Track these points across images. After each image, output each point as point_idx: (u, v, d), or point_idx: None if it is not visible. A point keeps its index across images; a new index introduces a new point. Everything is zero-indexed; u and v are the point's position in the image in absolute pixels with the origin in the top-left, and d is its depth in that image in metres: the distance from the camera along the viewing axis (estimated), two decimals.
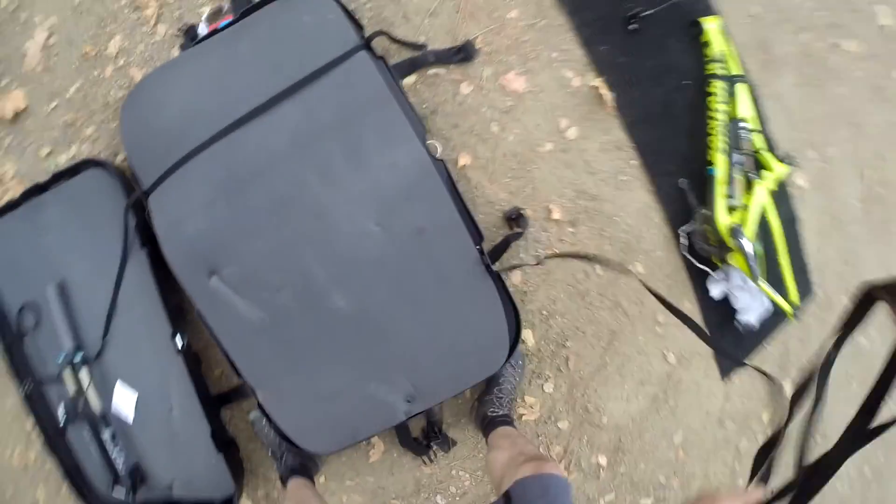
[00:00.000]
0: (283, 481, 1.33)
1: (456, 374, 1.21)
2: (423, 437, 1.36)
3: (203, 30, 1.34)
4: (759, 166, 1.33)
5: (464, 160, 1.38)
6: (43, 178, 1.48)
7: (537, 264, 1.32)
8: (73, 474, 1.48)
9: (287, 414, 1.25)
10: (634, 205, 1.38)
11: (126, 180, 1.32)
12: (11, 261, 1.44)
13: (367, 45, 1.20)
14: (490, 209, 1.38)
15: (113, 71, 1.44)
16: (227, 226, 1.19)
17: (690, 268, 1.38)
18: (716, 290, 1.37)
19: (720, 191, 1.30)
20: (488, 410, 1.31)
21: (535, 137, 1.34)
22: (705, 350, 1.41)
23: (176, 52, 1.42)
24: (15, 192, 1.52)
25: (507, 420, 1.30)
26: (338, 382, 1.21)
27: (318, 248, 1.18)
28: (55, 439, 1.49)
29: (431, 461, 1.40)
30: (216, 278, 1.20)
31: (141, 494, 1.44)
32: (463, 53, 1.34)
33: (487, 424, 1.31)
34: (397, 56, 1.38)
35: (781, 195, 1.39)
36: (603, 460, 1.42)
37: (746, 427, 1.47)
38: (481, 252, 1.17)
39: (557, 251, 1.35)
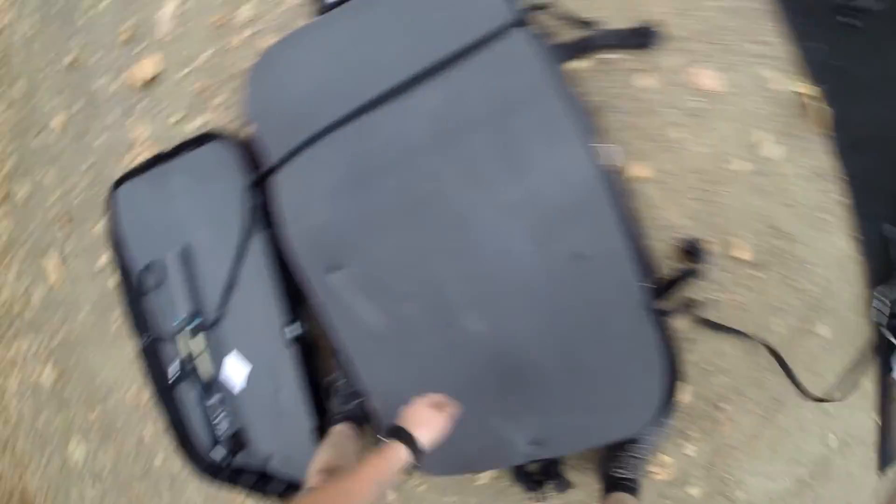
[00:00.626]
0: (331, 422, 1.27)
1: (591, 427, 1.04)
2: (538, 473, 1.21)
3: None
4: None
5: (638, 171, 1.12)
6: (173, 142, 1.46)
7: (694, 320, 1.08)
8: (178, 428, 1.53)
9: None
10: (831, 251, 1.08)
11: (249, 155, 1.27)
12: (140, 221, 1.47)
13: (524, 20, 0.98)
14: (662, 235, 1.12)
15: (242, 39, 1.37)
16: (353, 219, 1.08)
17: (882, 338, 1.07)
18: None
19: None
20: (614, 468, 1.14)
21: (723, 151, 1.06)
22: (871, 438, 1.16)
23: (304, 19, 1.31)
24: (147, 155, 1.53)
25: (630, 486, 1.11)
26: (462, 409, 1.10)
27: (457, 261, 1.03)
28: (164, 394, 1.54)
29: (541, 501, 1.25)
30: (338, 274, 1.10)
31: (239, 459, 1.46)
32: (645, 37, 1.06)
33: (608, 483, 1.14)
34: (561, 34, 1.12)
35: None
36: None
37: None
38: (646, 290, 0.96)
39: (707, 317, 1.10)
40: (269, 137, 1.15)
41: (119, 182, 1.46)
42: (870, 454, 1.18)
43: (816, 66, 1.02)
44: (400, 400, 1.01)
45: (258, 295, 1.31)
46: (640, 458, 1.13)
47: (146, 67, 1.45)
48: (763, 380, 1.15)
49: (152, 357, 1.52)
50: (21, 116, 1.83)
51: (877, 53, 1.00)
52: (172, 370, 1.48)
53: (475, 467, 1.15)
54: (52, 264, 1.80)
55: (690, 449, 1.19)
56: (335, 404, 1.29)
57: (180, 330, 1.42)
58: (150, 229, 1.45)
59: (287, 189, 1.13)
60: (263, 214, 1.22)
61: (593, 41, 1.08)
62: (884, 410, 1.12)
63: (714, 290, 1.10)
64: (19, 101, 1.84)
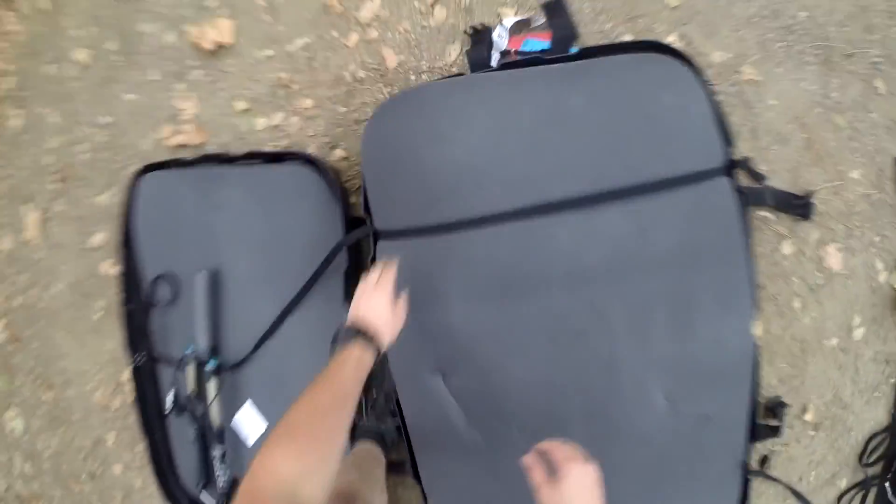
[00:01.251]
0: (356, 437, 1.09)
1: None
2: None
3: (499, 40, 0.93)
4: None
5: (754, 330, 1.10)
6: (227, 134, 1.15)
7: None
8: (162, 460, 1.32)
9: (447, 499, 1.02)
10: (872, 424, 1.20)
11: (341, 193, 0.97)
12: (167, 221, 1.18)
13: (732, 170, 0.87)
14: None
15: (360, 41, 1.05)
16: (487, 330, 0.89)
17: (882, 496, 1.21)
18: None
19: None
20: None
21: (826, 327, 1.14)
22: None
23: (452, 50, 1.05)
24: (192, 137, 1.19)
25: None
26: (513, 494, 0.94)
27: (591, 403, 0.89)
28: (153, 422, 1.31)
29: None
30: (440, 381, 0.92)
31: None
32: (803, 207, 1.06)
33: None
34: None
35: None
36: None
37: None
38: (749, 454, 0.93)
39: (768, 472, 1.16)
40: (386, 196, 0.93)
41: (150, 167, 1.16)
42: None
43: None
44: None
45: (305, 352, 1.11)
46: None
47: (222, 30, 1.09)
48: None
49: (146, 378, 1.27)
50: (36, 33, 1.42)
51: None
52: (169, 400, 1.18)
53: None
54: (32, 218, 1.43)
55: None
56: (367, 419, 1.10)
57: (188, 362, 1.17)
58: (175, 235, 1.16)
59: (407, 265, 0.88)
60: (347, 275, 1.02)
61: (760, 195, 1.04)
62: None
63: (775, 442, 1.18)
64: (40, 16, 1.42)
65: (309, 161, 1.02)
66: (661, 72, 0.87)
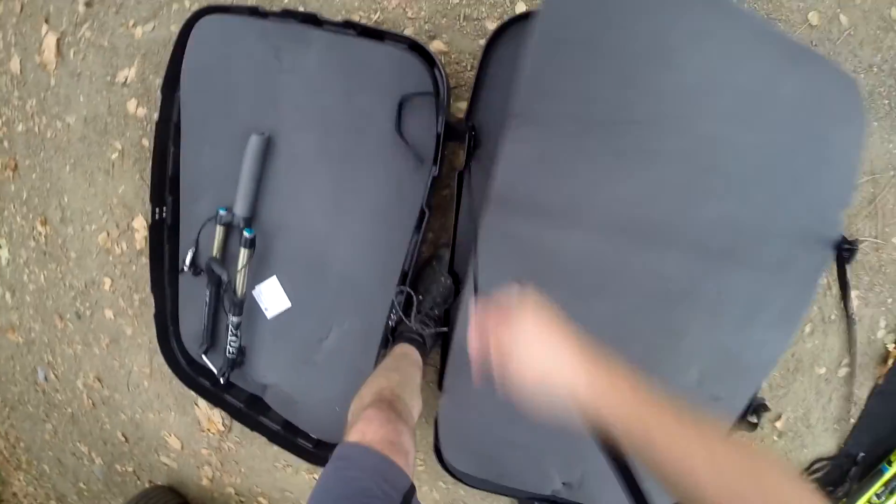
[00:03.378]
0: (396, 337, 1.06)
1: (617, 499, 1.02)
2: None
3: None
4: None
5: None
6: None
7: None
8: (166, 318, 1.24)
9: (456, 425, 1.05)
10: (823, 448, 1.33)
11: (444, 87, 0.87)
12: (225, 73, 1.03)
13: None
14: None
15: None
16: (596, 265, 0.86)
17: None
18: None
19: (876, 486, 1.28)
20: None
21: (820, 358, 1.24)
22: None
23: None
24: None
25: None
26: (526, 439, 1.02)
27: (645, 353, 0.92)
28: (164, 278, 1.23)
29: None
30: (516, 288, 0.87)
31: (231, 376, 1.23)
32: (849, 252, 1.05)
33: None
34: None
35: None
36: None
37: None
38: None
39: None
40: (548, 93, 0.78)
41: (211, 9, 1.01)
42: None
43: None
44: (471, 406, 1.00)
45: (357, 242, 1.03)
46: None
47: None
48: None
49: (165, 234, 1.18)
50: None
51: None
52: (188, 259, 1.16)
53: (503, 480, 1.10)
54: (52, 39, 1.22)
55: None
56: (412, 319, 1.02)
57: (219, 223, 1.10)
58: (231, 90, 1.03)
59: (533, 172, 0.81)
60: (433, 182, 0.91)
61: None
62: None
63: (747, 436, 1.24)
64: None
65: (414, 46, 0.88)
66: (848, 98, 0.82)
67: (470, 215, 0.95)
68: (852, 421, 1.26)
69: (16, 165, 1.47)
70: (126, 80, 1.24)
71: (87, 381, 1.68)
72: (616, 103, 0.76)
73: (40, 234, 1.51)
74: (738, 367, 0.92)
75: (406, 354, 0.94)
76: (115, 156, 1.32)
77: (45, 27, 1.27)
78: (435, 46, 0.97)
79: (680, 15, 0.74)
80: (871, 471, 1.29)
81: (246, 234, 1.06)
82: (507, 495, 1.20)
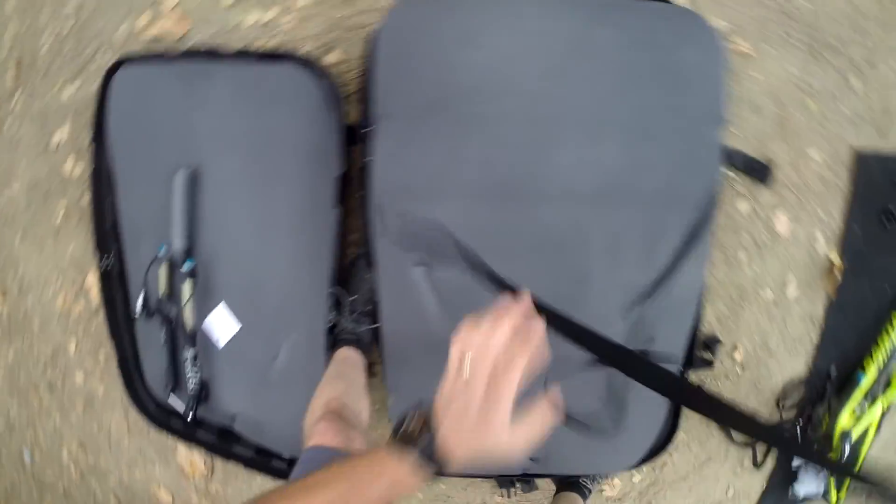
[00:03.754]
0: (336, 341, 1.08)
1: (586, 461, 1.10)
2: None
3: None
4: (888, 384, 1.30)
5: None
6: (212, 27, 1.06)
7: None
8: (129, 365, 1.25)
9: None
10: (791, 371, 1.34)
11: (338, 98, 0.91)
12: (144, 118, 1.08)
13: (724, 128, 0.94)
14: None
15: None
16: (475, 230, 0.91)
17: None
18: (797, 462, 1.39)
19: (857, 396, 1.28)
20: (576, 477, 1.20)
21: (764, 281, 1.25)
22: (755, 495, 1.48)
23: None
24: (172, 28, 1.07)
25: (584, 491, 1.20)
26: None
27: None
28: (121, 326, 1.23)
29: (508, 496, 1.31)
30: (422, 271, 0.93)
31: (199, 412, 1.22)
32: (762, 172, 1.16)
33: (564, 482, 1.21)
34: None
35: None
36: None
37: None
38: (682, 373, 1.04)
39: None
40: (400, 87, 0.92)
41: (126, 60, 1.06)
42: None
43: (852, 245, 1.25)
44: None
45: (287, 256, 1.06)
46: (598, 477, 1.24)
47: None
48: (707, 441, 1.43)
49: (114, 281, 1.19)
50: None
51: (892, 252, 1.25)
52: (139, 304, 1.11)
53: (470, 470, 1.05)
54: None
55: (637, 477, 1.43)
56: (345, 321, 1.07)
57: (161, 263, 1.11)
58: (152, 132, 1.07)
59: (402, 159, 0.92)
60: (340, 181, 0.97)
61: (729, 155, 1.11)
62: (771, 481, 1.46)
63: (703, 375, 1.30)
64: None
65: (306, 63, 0.94)
66: (689, 26, 0.91)
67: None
68: (814, 340, 1.27)
69: None
70: (60, 142, 1.28)
71: (72, 451, 1.65)
72: (445, 85, 0.88)
73: (2, 310, 1.51)
74: (659, 303, 0.95)
75: (346, 358, 0.97)
76: (59, 218, 1.34)
77: None
78: (332, 58, 1.02)
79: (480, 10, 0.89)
80: (846, 383, 1.29)
81: (185, 267, 1.08)
82: (485, 477, 1.21)
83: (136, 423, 1.46)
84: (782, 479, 1.42)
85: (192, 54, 1.02)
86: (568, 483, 1.20)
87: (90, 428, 1.58)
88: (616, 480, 1.41)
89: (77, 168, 1.27)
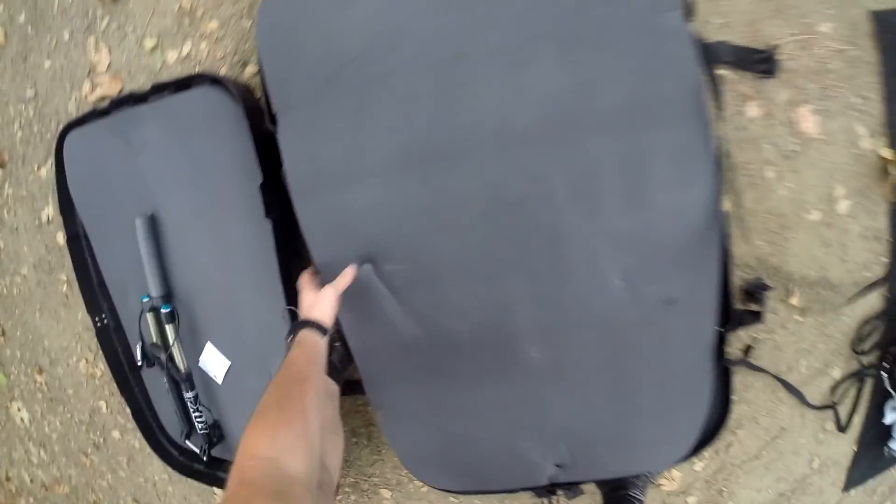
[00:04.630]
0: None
1: (623, 458, 0.91)
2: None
3: None
4: None
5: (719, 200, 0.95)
6: (142, 76, 1.06)
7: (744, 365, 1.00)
8: (144, 415, 1.26)
9: (409, 440, 0.96)
10: (864, 308, 1.04)
11: (251, 107, 0.87)
12: (97, 175, 1.09)
13: (691, 9, 0.69)
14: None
15: None
16: (411, 207, 0.77)
17: (880, 385, 1.08)
18: (890, 417, 1.09)
19: None
20: (624, 487, 1.03)
21: (805, 199, 0.97)
22: (846, 463, 1.23)
23: None
24: (108, 87, 1.09)
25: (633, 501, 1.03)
26: (486, 430, 0.90)
27: (536, 283, 0.77)
28: (128, 378, 1.25)
29: None
30: (369, 267, 0.82)
31: (215, 452, 1.21)
32: (765, 63, 0.89)
33: (612, 498, 1.03)
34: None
35: None
36: None
37: None
38: (722, 340, 0.81)
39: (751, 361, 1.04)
40: (286, 78, 0.80)
41: (70, 126, 1.03)
42: (840, 476, 1.27)
43: None
44: (414, 412, 0.91)
45: (250, 277, 1.01)
46: (650, 479, 1.08)
47: None
48: (776, 410, 1.19)
49: (113, 338, 1.21)
50: None
51: None
52: (139, 353, 1.12)
53: (493, 486, 0.98)
54: None
55: (699, 465, 1.23)
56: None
57: (146, 311, 1.11)
58: (107, 187, 1.08)
59: (310, 145, 0.80)
60: (263, 188, 0.90)
61: (718, 52, 0.87)
62: (862, 442, 1.18)
63: (759, 330, 1.04)
64: None
65: (214, 81, 0.91)
66: None
67: None
68: (883, 260, 0.98)
69: (3, 331, 1.58)
70: (49, 217, 1.34)
71: None
72: (332, 56, 0.77)
73: (41, 384, 1.59)
74: (666, 250, 0.73)
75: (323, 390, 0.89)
76: (64, 288, 1.39)
77: None
78: (248, 72, 1.00)
79: None
80: None
81: (163, 310, 1.07)
82: (512, 491, 1.07)
83: (174, 471, 1.48)
84: (875, 438, 1.16)
85: (119, 103, 1.02)
86: (614, 498, 1.03)
87: (138, 481, 1.62)
88: (674, 472, 1.21)
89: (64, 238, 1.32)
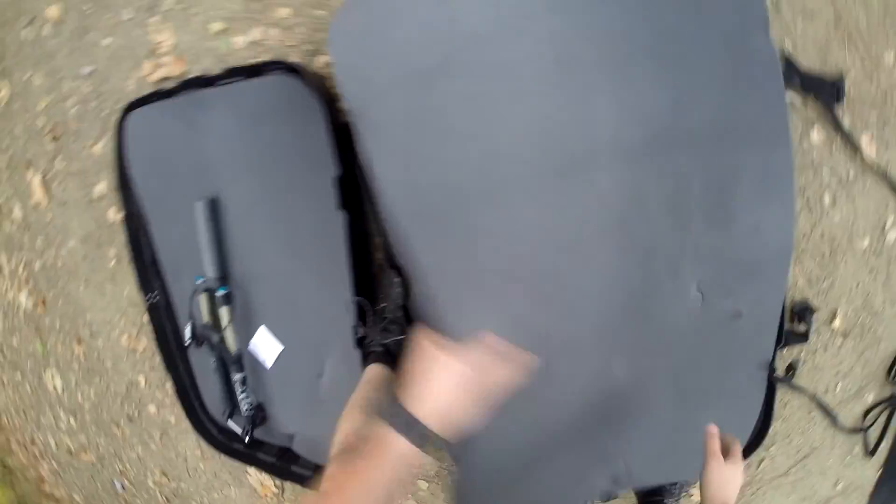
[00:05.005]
0: (366, 356, 0.99)
1: (672, 467, 0.92)
2: None
3: None
4: None
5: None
6: (207, 59, 1.06)
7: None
8: (188, 393, 1.29)
9: (478, 482, 0.94)
10: (882, 346, 1.09)
11: (326, 97, 0.87)
12: (159, 156, 1.10)
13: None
14: None
15: None
16: (541, 222, 0.77)
17: None
18: None
19: None
20: (660, 495, 1.02)
21: (857, 226, 1.01)
22: (869, 486, 1.26)
23: None
24: (171, 69, 1.09)
25: None
26: (552, 456, 0.90)
27: (629, 297, 0.79)
28: (175, 357, 1.28)
29: None
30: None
31: (257, 434, 1.23)
32: (832, 90, 0.92)
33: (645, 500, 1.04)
34: None
35: None
36: None
37: None
38: (773, 358, 0.86)
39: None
40: (362, 91, 0.78)
41: (132, 106, 1.04)
42: (862, 500, 1.29)
43: None
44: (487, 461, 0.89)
45: (315, 269, 1.03)
46: (686, 487, 1.07)
47: None
48: (809, 430, 1.22)
49: (163, 315, 1.23)
50: (5, 2, 1.30)
51: None
52: (188, 332, 1.13)
53: None
54: (36, 181, 1.34)
55: None
56: (374, 331, 0.99)
57: (200, 293, 1.12)
58: (169, 169, 1.08)
59: (410, 163, 0.78)
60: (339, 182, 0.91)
61: (786, 75, 0.87)
62: (886, 469, 1.21)
63: (802, 350, 1.08)
64: None
65: (290, 69, 0.91)
66: None
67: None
68: None
69: (44, 301, 1.60)
70: (101, 193, 1.34)
71: (156, 479, 1.74)
72: (427, 49, 0.73)
73: (79, 354, 1.61)
74: (741, 266, 0.76)
75: (370, 380, 0.88)
76: (112, 263, 1.41)
77: (29, 172, 1.40)
78: (320, 62, 1.00)
79: None
80: None
81: (219, 292, 1.08)
82: None
83: (208, 448, 1.50)
84: None
85: (187, 85, 1.02)
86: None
87: (169, 455, 1.65)
88: None
89: (120, 215, 1.33)
